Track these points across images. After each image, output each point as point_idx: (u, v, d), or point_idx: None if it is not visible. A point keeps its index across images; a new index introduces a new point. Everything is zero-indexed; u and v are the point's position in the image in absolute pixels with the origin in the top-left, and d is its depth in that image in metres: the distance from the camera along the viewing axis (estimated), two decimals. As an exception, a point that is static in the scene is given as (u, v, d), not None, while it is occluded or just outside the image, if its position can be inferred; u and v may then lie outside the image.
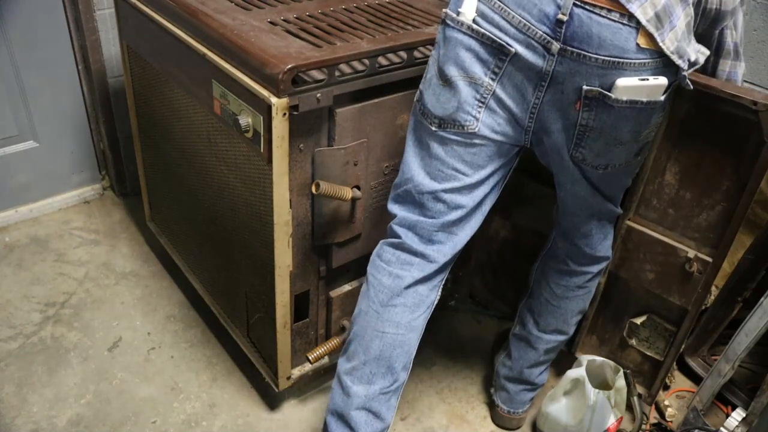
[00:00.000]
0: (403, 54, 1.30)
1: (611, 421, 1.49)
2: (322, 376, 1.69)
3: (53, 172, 2.21)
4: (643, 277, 1.51)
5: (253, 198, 1.34)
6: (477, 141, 1.13)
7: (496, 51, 1.04)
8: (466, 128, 1.11)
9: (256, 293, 1.48)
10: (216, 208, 1.54)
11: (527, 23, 1.00)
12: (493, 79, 1.07)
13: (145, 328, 1.81)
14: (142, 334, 1.79)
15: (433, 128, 1.14)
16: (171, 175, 1.75)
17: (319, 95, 1.18)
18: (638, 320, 1.58)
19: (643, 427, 1.61)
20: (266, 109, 1.14)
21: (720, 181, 1.34)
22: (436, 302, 1.29)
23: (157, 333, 1.80)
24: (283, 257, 1.33)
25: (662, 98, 1.05)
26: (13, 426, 1.53)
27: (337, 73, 1.21)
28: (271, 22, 1.35)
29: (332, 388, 1.29)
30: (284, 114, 1.15)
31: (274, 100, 1.13)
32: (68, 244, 2.10)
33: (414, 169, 1.19)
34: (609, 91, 1.01)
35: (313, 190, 1.23)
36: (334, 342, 1.52)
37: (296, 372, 1.55)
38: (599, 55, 0.98)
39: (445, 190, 1.18)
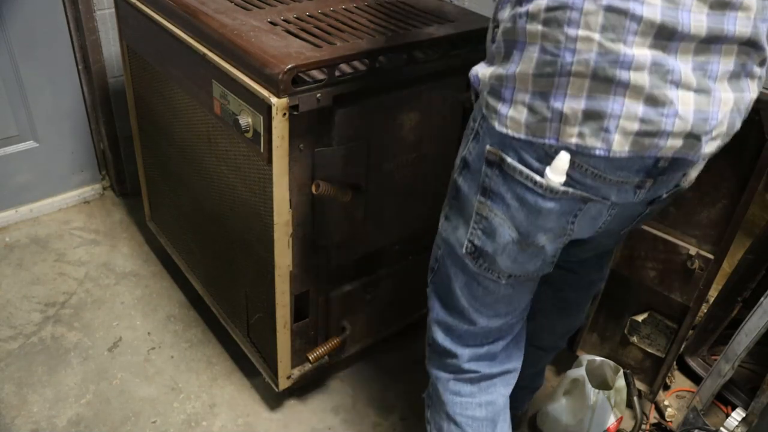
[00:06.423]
0: (403, 54, 1.30)
1: (611, 421, 1.49)
2: (322, 376, 1.69)
3: (53, 172, 2.20)
4: (645, 274, 1.51)
5: (253, 198, 1.34)
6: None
7: (584, 200, 0.92)
8: (540, 274, 1.06)
9: (256, 293, 1.48)
10: (216, 208, 1.54)
11: (626, 180, 0.89)
12: (572, 223, 0.95)
13: (145, 328, 1.81)
14: (142, 334, 1.79)
15: (503, 281, 1.05)
16: (171, 175, 1.74)
17: (319, 95, 1.17)
18: (639, 317, 1.58)
19: (643, 427, 1.61)
20: (266, 109, 1.14)
21: (721, 178, 1.34)
22: None
23: (157, 333, 1.80)
24: (283, 257, 1.33)
25: None
26: (13, 426, 1.53)
27: (337, 73, 1.20)
28: (271, 22, 1.35)
29: None
30: (284, 114, 1.14)
31: (274, 100, 1.12)
32: (68, 244, 2.10)
33: (474, 314, 1.11)
34: (682, 184, 0.97)
35: (313, 190, 1.23)
36: (334, 342, 1.52)
37: (296, 372, 1.55)
38: (681, 168, 0.92)
39: (511, 317, 1.14)
